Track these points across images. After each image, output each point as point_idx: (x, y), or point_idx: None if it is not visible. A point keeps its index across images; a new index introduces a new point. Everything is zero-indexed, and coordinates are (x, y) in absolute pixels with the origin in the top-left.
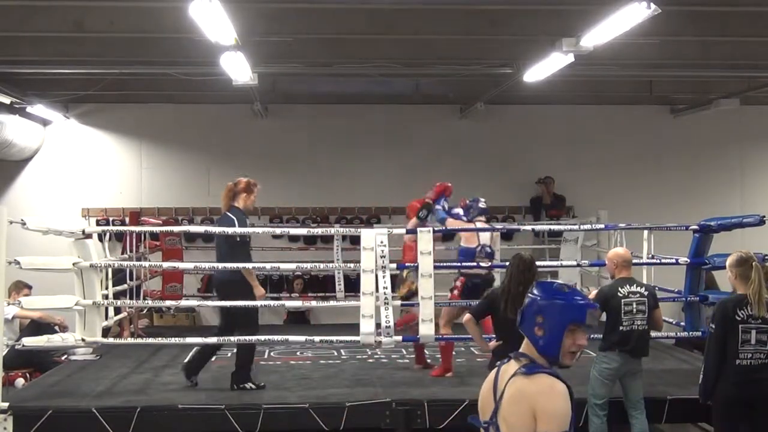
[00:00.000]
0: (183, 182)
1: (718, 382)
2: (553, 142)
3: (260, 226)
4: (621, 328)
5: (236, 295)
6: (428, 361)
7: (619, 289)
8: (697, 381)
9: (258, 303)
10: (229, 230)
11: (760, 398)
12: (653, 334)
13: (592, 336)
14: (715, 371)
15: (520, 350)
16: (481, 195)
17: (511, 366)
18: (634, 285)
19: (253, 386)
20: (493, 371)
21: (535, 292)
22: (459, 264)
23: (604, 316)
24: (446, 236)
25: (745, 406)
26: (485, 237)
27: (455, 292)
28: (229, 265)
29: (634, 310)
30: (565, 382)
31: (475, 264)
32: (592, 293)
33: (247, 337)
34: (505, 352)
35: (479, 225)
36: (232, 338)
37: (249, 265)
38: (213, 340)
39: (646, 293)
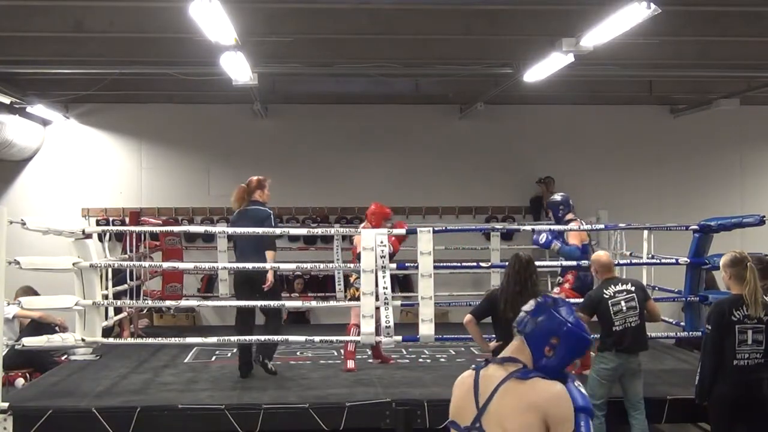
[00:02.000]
0: (183, 182)
1: (714, 383)
2: (553, 142)
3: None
4: (614, 328)
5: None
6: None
7: (604, 291)
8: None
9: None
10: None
11: (757, 398)
12: (655, 333)
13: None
14: (711, 372)
15: (509, 354)
16: (481, 194)
17: (496, 370)
18: (619, 284)
19: (273, 369)
20: (468, 374)
21: (563, 314)
22: (459, 264)
23: (595, 318)
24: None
25: (742, 406)
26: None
27: (566, 285)
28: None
29: (624, 308)
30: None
31: (475, 264)
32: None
33: (247, 337)
34: None
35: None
36: (232, 338)
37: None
38: (213, 339)
39: (633, 288)
